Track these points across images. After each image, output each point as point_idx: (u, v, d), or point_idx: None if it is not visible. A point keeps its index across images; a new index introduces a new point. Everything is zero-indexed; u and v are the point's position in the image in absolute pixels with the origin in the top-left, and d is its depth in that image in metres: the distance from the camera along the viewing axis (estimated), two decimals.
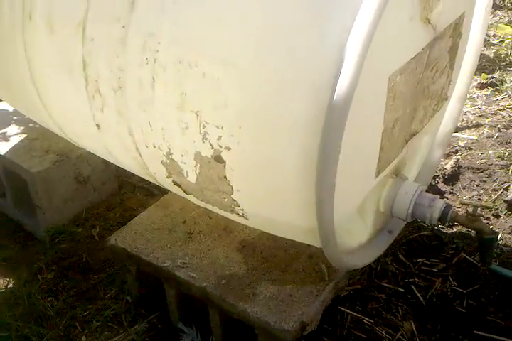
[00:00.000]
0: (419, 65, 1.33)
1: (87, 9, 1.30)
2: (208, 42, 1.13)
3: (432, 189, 2.11)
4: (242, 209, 1.32)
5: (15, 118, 2.20)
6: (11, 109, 2.20)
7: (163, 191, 1.77)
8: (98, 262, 1.87)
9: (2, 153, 1.98)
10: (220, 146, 1.19)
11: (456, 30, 1.50)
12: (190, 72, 1.16)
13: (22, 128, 2.14)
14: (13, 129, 2.13)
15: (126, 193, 2.22)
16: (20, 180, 1.98)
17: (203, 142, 1.21)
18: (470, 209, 1.50)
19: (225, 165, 1.22)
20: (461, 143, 2.43)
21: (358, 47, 0.98)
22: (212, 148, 1.21)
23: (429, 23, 1.32)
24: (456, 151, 2.37)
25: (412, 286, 1.68)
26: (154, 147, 1.34)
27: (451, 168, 2.21)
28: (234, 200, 1.29)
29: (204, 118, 1.18)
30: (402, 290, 1.67)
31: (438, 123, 1.85)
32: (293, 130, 1.10)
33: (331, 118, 1.02)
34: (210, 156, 1.23)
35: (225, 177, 1.24)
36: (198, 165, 1.28)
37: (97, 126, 1.45)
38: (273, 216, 1.30)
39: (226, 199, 1.31)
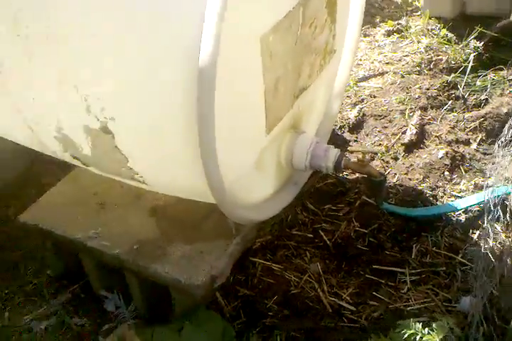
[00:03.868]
0: (294, 23, 1.38)
1: None
2: (73, 15, 1.13)
3: (338, 138, 2.22)
4: (141, 176, 1.36)
5: None
6: None
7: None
8: (16, 241, 1.88)
9: None
10: (105, 117, 1.22)
11: None
12: (62, 47, 1.16)
13: None
14: None
15: (40, 170, 2.20)
16: None
17: (88, 115, 1.23)
18: (360, 156, 1.61)
19: (113, 136, 1.25)
20: (366, 92, 2.54)
21: (216, 11, 1.01)
22: (98, 120, 1.23)
23: None
24: (362, 100, 2.48)
25: (320, 231, 1.80)
26: (44, 123, 1.35)
27: (355, 116, 2.33)
28: (130, 168, 1.33)
29: (84, 91, 1.20)
30: (311, 235, 1.79)
31: (332, 75, 1.92)
32: (170, 96, 1.13)
33: (201, 84, 1.06)
34: (97, 128, 1.25)
35: (116, 146, 1.28)
36: (89, 137, 1.30)
37: None
38: (169, 180, 1.35)
39: (123, 168, 1.35)
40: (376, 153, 2.11)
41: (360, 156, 1.60)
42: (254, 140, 1.43)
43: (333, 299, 1.58)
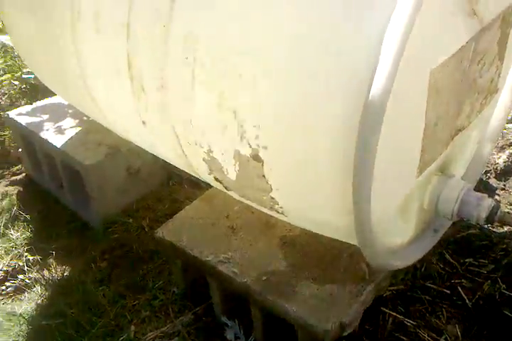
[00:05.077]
0: (464, 58, 1.28)
1: (130, 9, 1.34)
2: (244, 42, 1.14)
3: (483, 185, 2.04)
4: (281, 207, 1.33)
5: (70, 111, 2.29)
6: (66, 102, 2.30)
7: (209, 184, 1.80)
8: (147, 252, 1.94)
9: (58, 146, 2.08)
10: (258, 145, 1.20)
11: (506, 19, 1.43)
12: (228, 72, 1.17)
13: (76, 121, 2.23)
14: (68, 122, 2.23)
15: (174, 185, 2.28)
16: (75, 171, 2.08)
17: (241, 141, 1.22)
18: None
19: (263, 164, 1.23)
20: None
21: (395, 45, 0.95)
22: (250, 147, 1.22)
23: (475, 14, 1.26)
24: (511, 144, 2.27)
25: (459, 288, 1.64)
26: (196, 144, 1.37)
27: (504, 162, 2.13)
28: (273, 198, 1.31)
29: (242, 117, 1.19)
30: (448, 291, 1.63)
31: (488, 116, 1.78)
32: (329, 129, 1.09)
33: (367, 117, 1.00)
34: (248, 155, 1.24)
35: (264, 175, 1.25)
36: (237, 163, 1.29)
37: (143, 122, 1.50)
38: (311, 215, 1.30)
39: (265, 197, 1.32)
40: None
41: None
42: (403, 181, 1.34)
43: None
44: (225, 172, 1.36)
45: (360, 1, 1.01)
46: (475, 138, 1.76)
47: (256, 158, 1.23)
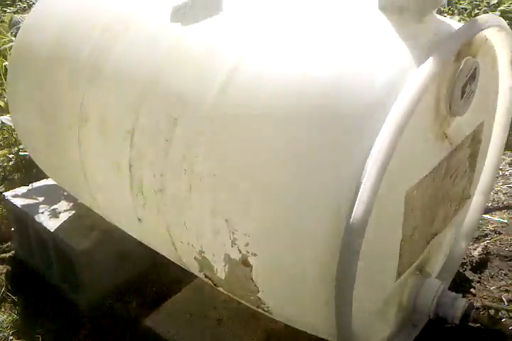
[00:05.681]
0: (437, 176, 1.42)
1: (135, 120, 1.47)
2: (239, 161, 1.26)
3: (460, 277, 2.12)
4: (268, 307, 1.40)
5: (65, 193, 2.38)
6: None
7: None
8: (132, 339, 1.96)
9: (52, 230, 2.14)
10: (248, 252, 1.30)
11: (476, 138, 1.59)
12: (223, 185, 1.29)
13: (71, 204, 2.31)
14: (63, 205, 2.30)
15: (162, 268, 2.32)
16: (66, 255, 2.13)
17: (232, 246, 1.32)
18: (492, 312, 1.54)
19: (251, 269, 1.32)
20: (490, 227, 2.44)
21: (373, 177, 1.09)
22: (240, 252, 1.31)
23: (446, 137, 1.42)
24: (486, 235, 2.38)
25: None
26: (188, 244, 1.46)
27: (479, 255, 2.23)
28: (259, 298, 1.38)
29: (233, 225, 1.30)
30: None
31: (462, 217, 1.90)
32: (314, 243, 1.19)
33: (348, 237, 1.12)
34: (238, 259, 1.33)
35: (252, 279, 1.34)
36: (227, 265, 1.38)
37: (139, 219, 1.59)
38: (296, 316, 1.38)
39: (252, 297, 1.40)
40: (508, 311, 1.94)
41: (493, 312, 1.53)
42: (382, 286, 1.43)
43: None
44: (215, 272, 1.44)
45: (340, 137, 1.15)
46: (450, 237, 1.88)
47: (245, 262, 1.32)
